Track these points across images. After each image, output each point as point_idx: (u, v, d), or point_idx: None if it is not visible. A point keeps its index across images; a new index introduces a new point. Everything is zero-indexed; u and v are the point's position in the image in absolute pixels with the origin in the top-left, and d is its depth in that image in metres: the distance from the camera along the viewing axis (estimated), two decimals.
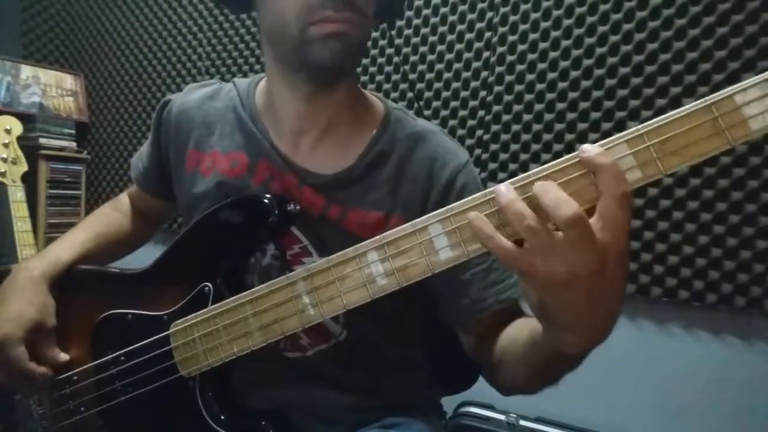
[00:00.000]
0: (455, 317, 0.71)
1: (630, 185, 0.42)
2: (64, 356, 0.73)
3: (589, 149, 0.42)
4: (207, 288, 0.65)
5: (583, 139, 1.41)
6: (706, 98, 0.42)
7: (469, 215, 0.45)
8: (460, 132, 1.58)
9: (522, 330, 0.60)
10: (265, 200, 0.65)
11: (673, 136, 0.42)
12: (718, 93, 0.41)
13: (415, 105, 1.64)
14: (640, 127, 0.43)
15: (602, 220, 0.41)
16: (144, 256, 0.84)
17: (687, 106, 0.42)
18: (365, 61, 1.74)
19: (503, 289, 0.69)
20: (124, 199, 0.95)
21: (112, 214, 0.92)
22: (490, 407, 1.43)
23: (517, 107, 1.50)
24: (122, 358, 0.69)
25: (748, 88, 0.41)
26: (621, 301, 0.45)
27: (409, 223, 0.51)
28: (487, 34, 1.54)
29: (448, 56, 1.60)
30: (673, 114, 0.42)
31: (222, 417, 0.64)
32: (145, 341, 0.67)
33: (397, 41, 1.68)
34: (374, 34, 1.73)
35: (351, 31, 0.62)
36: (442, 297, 0.71)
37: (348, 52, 0.63)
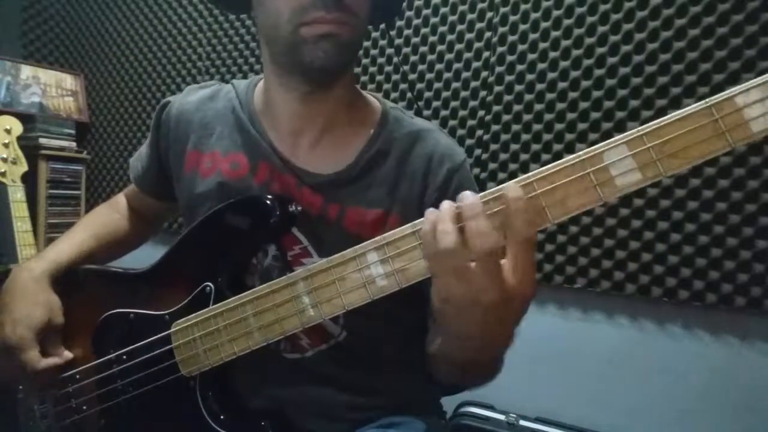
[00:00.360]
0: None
1: (629, 190, 0.44)
2: (69, 355, 0.74)
3: (511, 190, 0.45)
4: (208, 288, 0.66)
5: (583, 139, 1.41)
6: (707, 100, 0.42)
7: (426, 213, 0.49)
8: (460, 132, 1.58)
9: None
10: (267, 201, 0.66)
11: (673, 138, 0.42)
12: (719, 95, 0.41)
13: (415, 105, 1.64)
14: (639, 128, 0.43)
15: (511, 261, 0.46)
16: (144, 257, 0.84)
17: (687, 108, 0.42)
18: (365, 60, 1.74)
19: None
20: (121, 200, 0.95)
21: (111, 215, 0.92)
22: (490, 407, 1.43)
23: (517, 107, 1.50)
24: (124, 357, 0.69)
25: (750, 89, 0.41)
26: (514, 330, 0.52)
27: (409, 224, 0.51)
28: (487, 34, 1.54)
29: (448, 56, 1.60)
30: (673, 115, 0.42)
31: (222, 416, 0.64)
32: (146, 340, 0.67)
33: (397, 41, 1.68)
34: (374, 34, 1.73)
35: (343, 32, 0.62)
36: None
37: (341, 53, 0.63)
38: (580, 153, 0.45)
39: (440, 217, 0.47)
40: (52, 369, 0.72)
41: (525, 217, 0.44)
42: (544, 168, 0.46)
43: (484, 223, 0.45)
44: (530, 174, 0.46)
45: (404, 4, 1.65)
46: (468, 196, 0.47)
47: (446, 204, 0.48)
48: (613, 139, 0.44)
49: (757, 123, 0.40)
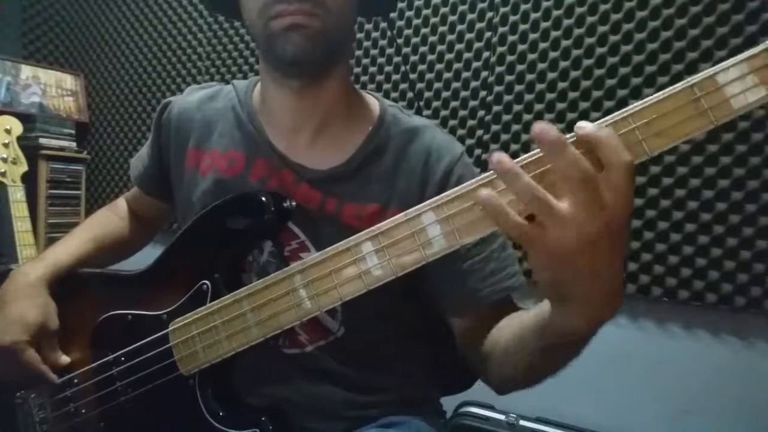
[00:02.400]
0: (453, 307, 0.71)
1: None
2: (66, 358, 0.73)
3: (586, 125, 0.43)
4: (205, 286, 0.65)
5: None
6: (688, 79, 0.42)
7: (479, 193, 0.44)
8: (460, 132, 1.58)
9: (520, 318, 0.60)
10: (262, 197, 0.66)
11: (656, 118, 0.43)
12: (699, 74, 0.42)
13: (415, 105, 1.64)
14: (624, 110, 0.44)
15: (609, 189, 0.41)
16: (144, 257, 0.84)
17: (669, 88, 0.43)
18: (365, 61, 1.74)
19: (503, 278, 0.69)
20: (121, 203, 0.95)
21: (111, 217, 0.92)
22: (490, 407, 1.43)
23: (517, 107, 1.50)
24: (122, 358, 0.69)
25: (729, 67, 0.42)
26: (621, 275, 0.46)
27: (402, 213, 0.51)
28: (487, 34, 1.54)
29: (448, 56, 1.60)
30: (656, 96, 0.43)
31: (221, 414, 0.64)
32: (144, 341, 0.67)
33: (397, 41, 1.68)
34: (374, 34, 1.73)
35: (310, 23, 0.62)
36: (440, 286, 0.71)
37: (313, 45, 0.63)
38: (569, 135, 0.44)
39: (510, 177, 0.42)
40: (48, 372, 0.71)
41: (617, 143, 0.41)
42: (527, 154, 0.46)
43: (573, 152, 0.41)
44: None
45: (403, 3, 1.65)
46: (547, 131, 0.42)
47: (499, 160, 0.43)
48: (599, 121, 0.44)
49: (737, 100, 0.41)
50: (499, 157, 0.43)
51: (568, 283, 0.44)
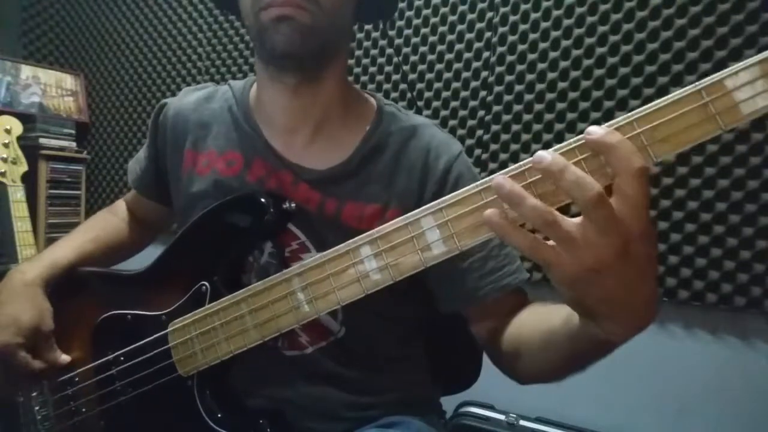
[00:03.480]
0: (454, 306, 0.72)
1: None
2: (65, 358, 0.73)
3: (597, 130, 0.41)
4: (204, 287, 0.65)
5: None
6: (696, 83, 0.41)
7: (485, 213, 0.43)
8: (460, 132, 1.58)
9: (548, 319, 0.58)
10: (261, 199, 0.66)
11: (663, 123, 0.42)
12: (708, 78, 0.41)
13: (415, 105, 1.64)
14: (629, 114, 0.42)
15: (621, 200, 0.39)
16: (144, 257, 0.84)
17: (677, 92, 0.41)
18: (365, 60, 1.74)
19: (503, 276, 0.68)
20: (121, 205, 0.95)
21: (110, 219, 0.92)
22: (490, 407, 1.43)
23: (517, 107, 1.50)
24: (122, 358, 0.69)
25: (738, 71, 0.40)
26: (656, 281, 0.45)
27: (402, 217, 0.51)
28: (487, 34, 1.54)
29: (448, 56, 1.60)
30: (663, 100, 0.42)
31: (219, 415, 0.64)
32: (143, 341, 0.67)
33: (397, 41, 1.68)
34: (374, 34, 1.73)
35: (300, 16, 0.62)
36: (440, 286, 0.71)
37: (302, 38, 0.63)
38: (571, 141, 0.43)
39: (516, 197, 0.41)
40: (44, 372, 0.72)
41: (629, 148, 0.39)
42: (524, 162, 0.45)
43: (579, 172, 0.39)
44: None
45: (403, 3, 1.65)
46: (541, 156, 0.41)
47: (499, 181, 0.42)
48: (605, 125, 0.43)
49: (747, 105, 0.40)
50: (498, 181, 0.42)
51: (593, 301, 0.43)
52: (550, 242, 0.41)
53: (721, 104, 0.40)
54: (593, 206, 0.38)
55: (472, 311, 0.71)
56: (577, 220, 0.40)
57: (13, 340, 0.70)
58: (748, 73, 0.40)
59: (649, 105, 0.42)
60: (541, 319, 0.60)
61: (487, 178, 0.46)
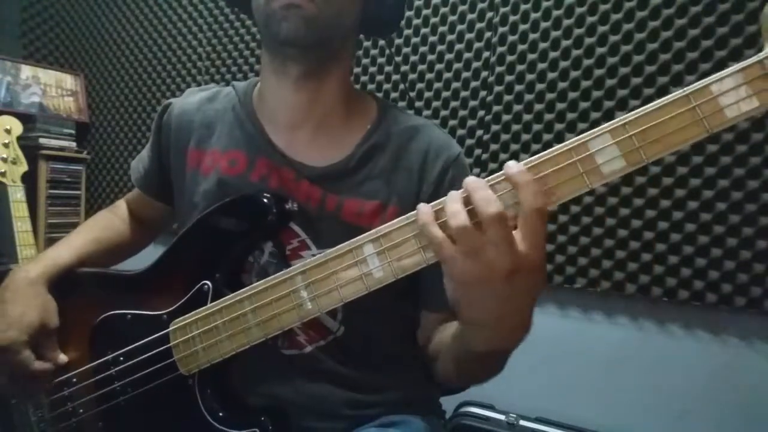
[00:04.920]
0: (433, 300, 0.73)
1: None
2: (65, 357, 0.73)
3: (512, 166, 0.47)
4: (206, 286, 0.65)
5: None
6: (684, 89, 0.44)
7: (418, 206, 0.50)
8: (460, 132, 1.58)
9: (454, 329, 0.63)
10: (264, 199, 0.66)
11: (653, 126, 0.45)
12: (695, 84, 0.44)
13: (415, 105, 1.64)
14: (621, 118, 0.46)
15: (522, 231, 0.45)
16: (144, 256, 0.84)
17: (666, 97, 0.44)
18: (365, 60, 1.74)
19: None
20: (122, 205, 0.95)
21: (111, 219, 0.92)
22: (490, 407, 1.43)
23: (517, 107, 1.50)
24: (121, 358, 0.69)
25: (724, 78, 0.44)
26: (530, 312, 0.51)
27: (404, 216, 0.52)
28: (487, 34, 1.54)
29: (448, 56, 1.60)
30: (653, 105, 0.45)
31: (221, 414, 0.64)
32: (144, 340, 0.67)
33: (397, 41, 1.68)
34: None
35: (307, 6, 0.64)
36: (428, 283, 0.72)
37: (307, 27, 0.65)
38: (567, 142, 0.47)
39: (449, 199, 0.48)
40: (46, 372, 0.71)
41: (533, 188, 0.45)
42: (531, 158, 0.48)
43: (489, 192, 0.46)
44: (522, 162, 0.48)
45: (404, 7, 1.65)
46: (470, 179, 0.48)
47: (452, 192, 0.49)
48: (597, 129, 0.46)
49: (731, 109, 0.43)
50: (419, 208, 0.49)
51: (466, 304, 0.50)
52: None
53: (707, 108, 0.44)
54: (491, 223, 0.44)
55: (435, 315, 0.74)
56: (481, 235, 0.45)
57: (20, 337, 0.69)
58: (733, 80, 0.43)
59: (640, 109, 0.45)
60: (451, 328, 0.67)
61: (492, 176, 0.49)
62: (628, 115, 0.45)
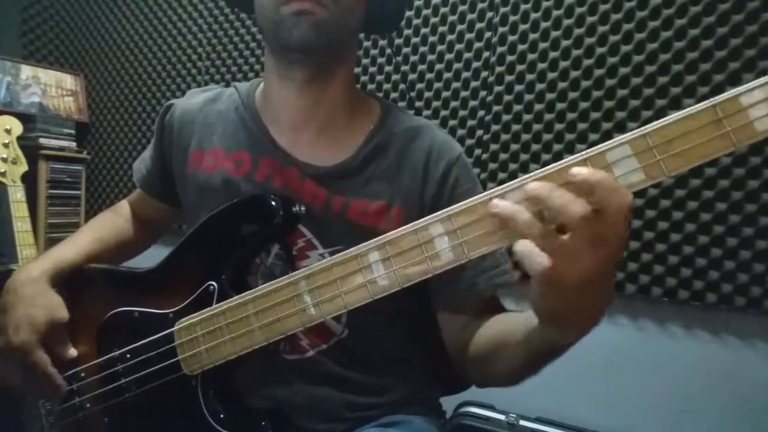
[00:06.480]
0: (447, 302, 0.72)
1: (631, 190, 0.43)
2: (74, 352, 0.73)
3: (581, 171, 0.42)
4: (212, 287, 0.66)
5: (583, 139, 1.41)
6: (712, 99, 0.41)
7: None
8: (460, 132, 1.58)
9: (511, 328, 0.61)
10: (271, 201, 0.66)
11: (676, 138, 0.42)
12: (723, 94, 0.41)
13: (415, 105, 1.64)
14: (643, 128, 0.43)
15: (607, 227, 0.41)
16: (151, 255, 0.84)
17: (691, 108, 0.42)
18: (365, 60, 1.74)
19: (497, 274, 0.70)
20: (124, 206, 0.95)
21: (114, 219, 0.92)
22: (490, 407, 1.43)
23: (517, 107, 1.50)
24: (128, 355, 0.69)
25: (753, 89, 0.40)
26: (612, 289, 0.49)
27: (410, 224, 0.51)
28: (487, 34, 1.54)
29: (448, 56, 1.60)
30: (677, 115, 0.42)
31: (222, 415, 0.64)
32: (149, 338, 0.67)
33: (397, 41, 1.68)
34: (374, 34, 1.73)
35: (319, 12, 0.64)
36: (436, 282, 0.71)
37: (318, 33, 0.65)
38: (582, 153, 0.44)
39: (547, 190, 0.43)
40: (58, 375, 0.71)
41: (612, 186, 0.41)
42: (543, 170, 0.45)
43: (564, 191, 0.42)
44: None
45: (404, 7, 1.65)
46: (532, 186, 0.44)
47: (534, 184, 0.44)
48: (615, 139, 0.43)
49: (761, 122, 0.40)
50: (493, 203, 0.45)
51: (567, 312, 0.46)
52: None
53: (735, 121, 0.41)
54: (583, 223, 0.41)
55: (460, 317, 0.72)
56: (569, 234, 0.42)
57: (30, 337, 0.70)
58: (763, 91, 0.40)
59: (663, 119, 0.42)
60: (502, 323, 0.65)
61: (498, 188, 0.46)
62: (649, 125, 0.42)
